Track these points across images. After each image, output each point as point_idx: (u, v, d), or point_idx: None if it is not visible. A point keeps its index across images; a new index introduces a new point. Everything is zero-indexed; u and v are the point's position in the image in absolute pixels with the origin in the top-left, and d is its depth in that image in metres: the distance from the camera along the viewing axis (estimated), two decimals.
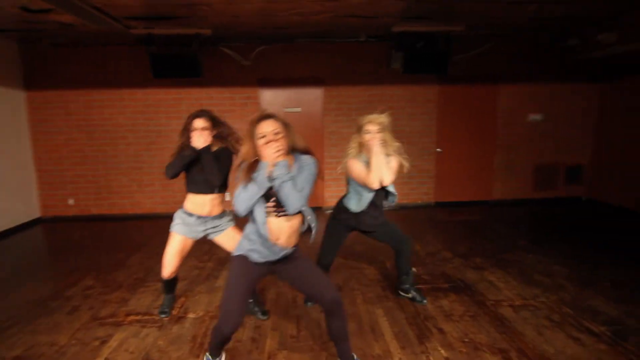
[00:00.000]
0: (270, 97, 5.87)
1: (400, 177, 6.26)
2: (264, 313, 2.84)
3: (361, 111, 5.85)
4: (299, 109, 5.89)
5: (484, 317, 2.76)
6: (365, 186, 2.62)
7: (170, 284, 2.90)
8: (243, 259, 1.99)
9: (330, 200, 5.97)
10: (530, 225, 5.14)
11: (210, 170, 2.51)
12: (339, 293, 2.11)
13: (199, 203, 2.64)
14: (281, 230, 1.94)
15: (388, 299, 3.06)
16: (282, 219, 1.93)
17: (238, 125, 2.84)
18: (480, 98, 6.06)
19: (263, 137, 1.84)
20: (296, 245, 2.06)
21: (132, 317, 2.87)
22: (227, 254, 4.19)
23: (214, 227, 2.73)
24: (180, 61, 5.03)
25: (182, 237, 2.69)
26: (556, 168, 6.26)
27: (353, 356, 2.16)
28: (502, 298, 3.04)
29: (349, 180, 2.79)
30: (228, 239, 2.76)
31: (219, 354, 2.17)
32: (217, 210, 2.70)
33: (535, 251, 4.04)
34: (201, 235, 2.75)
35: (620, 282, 3.28)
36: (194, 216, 2.66)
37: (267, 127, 1.85)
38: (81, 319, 2.86)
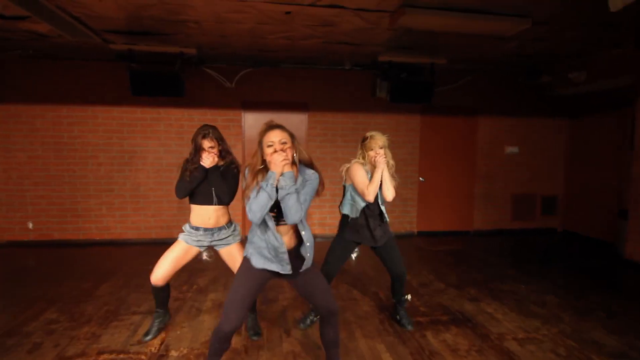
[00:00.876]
0: (254, 121, 5.73)
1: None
2: (257, 334, 2.81)
3: (346, 137, 5.87)
4: None
5: (490, 352, 2.64)
6: (361, 195, 2.69)
7: (160, 295, 2.75)
8: (249, 261, 2.05)
9: (314, 226, 5.80)
10: (513, 255, 5.17)
11: (221, 189, 2.59)
12: (337, 304, 2.15)
13: (204, 215, 2.61)
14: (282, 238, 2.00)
15: (388, 333, 2.88)
16: (281, 227, 2.00)
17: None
18: (461, 129, 6.20)
19: (271, 145, 1.90)
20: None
21: (105, 357, 2.52)
22: (208, 283, 3.93)
23: (219, 240, 2.68)
24: (162, 79, 4.83)
25: (186, 245, 2.65)
26: (533, 199, 6.44)
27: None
28: (504, 331, 2.94)
29: (345, 186, 2.86)
30: (231, 257, 2.71)
31: None
32: (223, 221, 2.67)
33: (525, 281, 4.02)
34: (206, 245, 2.69)
35: (613, 311, 3.28)
36: (200, 229, 2.63)
37: (275, 137, 1.91)
38: (45, 359, 2.48)
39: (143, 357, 2.53)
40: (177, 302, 3.41)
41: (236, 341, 2.72)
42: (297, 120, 5.79)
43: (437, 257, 4.95)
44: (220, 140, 2.62)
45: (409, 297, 3.08)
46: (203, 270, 4.30)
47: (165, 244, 2.92)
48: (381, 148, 2.71)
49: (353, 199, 2.79)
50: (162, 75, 4.83)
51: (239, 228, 2.77)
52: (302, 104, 5.79)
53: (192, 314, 3.17)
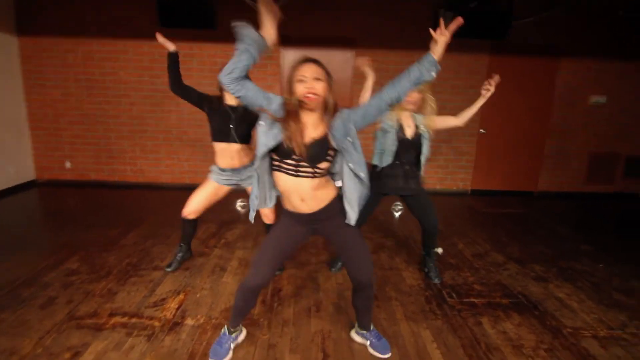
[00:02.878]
0: (294, 58, 5.10)
1: (436, 160, 5.41)
2: (280, 269, 2.94)
3: None
4: None
5: (565, 353, 2.13)
6: (388, 139, 2.59)
7: (186, 228, 2.89)
8: (288, 215, 1.83)
9: None
10: (588, 224, 4.43)
11: (240, 129, 2.63)
12: (373, 276, 1.89)
13: (225, 154, 2.68)
14: (303, 191, 1.70)
15: (436, 316, 2.43)
16: (303, 178, 1.67)
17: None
18: (536, 73, 5.22)
19: (302, 80, 1.61)
20: (339, 210, 1.80)
21: (116, 319, 2.30)
22: (237, 238, 3.65)
23: (247, 177, 2.74)
24: (193, 9, 4.30)
25: (216, 184, 2.76)
26: (615, 158, 5.47)
27: (371, 327, 2.10)
28: (580, 325, 2.39)
29: (375, 133, 2.70)
30: None
31: (238, 324, 2.03)
32: (247, 160, 2.72)
33: (604, 259, 3.36)
34: (234, 184, 2.77)
35: None
36: (227, 171, 2.71)
37: (309, 71, 1.61)
38: (55, 317, 2.30)
39: (156, 323, 2.28)
40: (201, 258, 3.15)
41: (259, 312, 2.41)
42: (342, 59, 5.10)
43: (494, 222, 4.34)
44: None
45: (439, 250, 2.97)
46: (234, 222, 4.02)
47: None
48: (416, 92, 2.53)
49: (382, 145, 2.63)
50: (193, 4, 4.30)
51: None
52: (349, 40, 5.05)
53: (215, 274, 2.89)
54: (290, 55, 5.10)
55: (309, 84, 1.58)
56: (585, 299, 2.70)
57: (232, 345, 2.04)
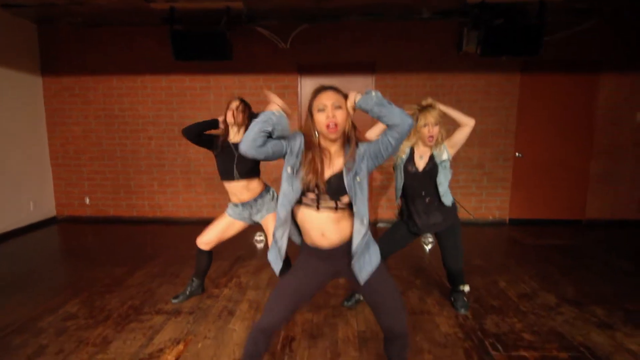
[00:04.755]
0: (312, 86, 4.92)
1: (468, 188, 5.04)
2: None
3: None
4: None
5: None
6: (398, 174, 2.51)
7: (200, 260, 2.84)
8: (307, 250, 1.67)
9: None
10: None
11: (243, 164, 2.58)
12: (407, 327, 1.67)
13: (234, 191, 2.67)
14: (324, 225, 1.56)
15: None
16: (324, 212, 1.55)
17: None
18: (575, 91, 4.81)
19: (322, 110, 1.51)
20: (368, 253, 1.62)
21: None
22: (250, 276, 3.35)
23: (258, 212, 2.70)
24: (207, 40, 4.25)
25: (230, 219, 2.75)
26: None
27: None
28: None
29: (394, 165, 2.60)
30: (267, 229, 2.73)
31: None
32: (255, 193, 2.67)
33: None
34: (247, 218, 2.74)
35: None
36: (239, 206, 2.70)
37: (329, 99, 1.51)
38: None
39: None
40: (209, 299, 2.86)
41: None
42: (362, 85, 4.90)
43: (539, 256, 3.84)
44: (248, 108, 2.71)
45: (466, 287, 2.71)
46: (249, 258, 3.74)
47: None
48: (435, 125, 2.37)
49: (396, 182, 2.56)
50: (207, 36, 4.25)
51: (275, 194, 2.74)
52: (368, 65, 4.86)
53: (221, 320, 2.58)
54: (308, 83, 4.96)
55: (330, 112, 1.49)
56: None
57: None
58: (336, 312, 2.68)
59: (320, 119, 1.50)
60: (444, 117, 2.43)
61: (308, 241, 1.64)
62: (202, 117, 5.15)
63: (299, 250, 1.71)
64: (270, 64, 4.87)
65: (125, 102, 5.01)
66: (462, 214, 2.78)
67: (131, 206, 5.24)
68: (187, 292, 2.87)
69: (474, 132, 4.86)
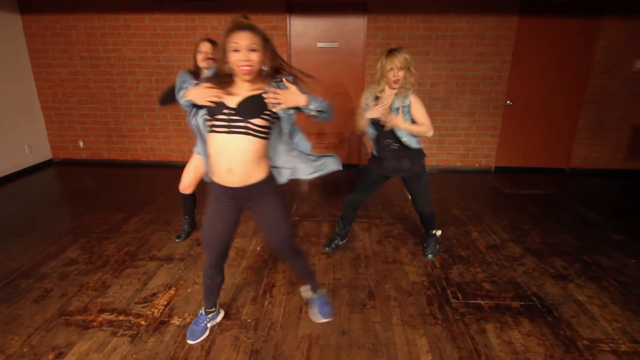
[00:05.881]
0: (301, 28, 4.77)
1: (456, 135, 5.10)
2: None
3: (416, 48, 4.69)
4: (335, 44, 4.78)
5: None
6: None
7: (186, 203, 3.09)
8: (215, 188, 1.77)
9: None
10: (624, 208, 4.03)
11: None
12: (289, 238, 1.90)
13: None
14: (233, 155, 1.60)
15: (436, 321, 2.25)
16: (235, 135, 1.57)
17: None
18: (574, 36, 4.64)
19: (237, 51, 1.50)
20: (266, 179, 1.74)
21: (104, 316, 2.27)
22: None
23: None
24: None
25: (199, 156, 2.71)
26: None
27: (317, 290, 2.21)
28: (599, 336, 2.15)
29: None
30: None
31: (211, 304, 2.10)
32: None
33: (637, 253, 3.02)
34: None
35: None
36: None
37: (244, 40, 1.49)
38: (46, 313, 2.30)
39: (142, 322, 2.23)
40: (199, 247, 3.08)
41: (247, 311, 2.31)
42: (352, 26, 4.71)
43: (517, 205, 4.02)
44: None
45: (437, 232, 2.92)
46: None
47: None
48: (401, 70, 2.34)
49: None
50: None
51: None
52: (360, 5, 4.64)
53: None
54: (298, 24, 4.76)
55: (244, 56, 1.50)
56: (609, 302, 2.43)
57: (209, 325, 2.13)
58: (316, 260, 2.90)
59: (234, 59, 1.51)
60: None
61: (216, 178, 1.73)
62: (190, 59, 5.07)
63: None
64: (258, 3, 4.64)
65: (110, 43, 4.86)
66: (429, 161, 2.90)
67: (125, 150, 5.33)
68: (186, 229, 3.21)
69: (466, 78, 4.81)
